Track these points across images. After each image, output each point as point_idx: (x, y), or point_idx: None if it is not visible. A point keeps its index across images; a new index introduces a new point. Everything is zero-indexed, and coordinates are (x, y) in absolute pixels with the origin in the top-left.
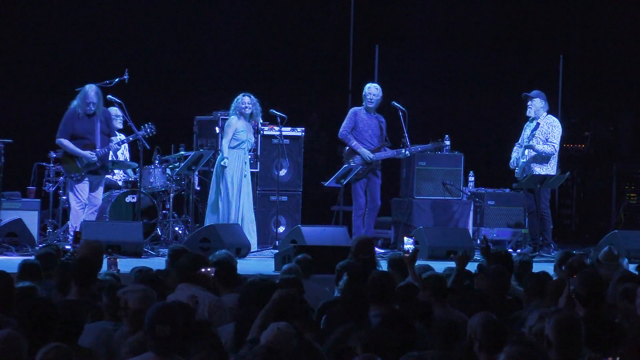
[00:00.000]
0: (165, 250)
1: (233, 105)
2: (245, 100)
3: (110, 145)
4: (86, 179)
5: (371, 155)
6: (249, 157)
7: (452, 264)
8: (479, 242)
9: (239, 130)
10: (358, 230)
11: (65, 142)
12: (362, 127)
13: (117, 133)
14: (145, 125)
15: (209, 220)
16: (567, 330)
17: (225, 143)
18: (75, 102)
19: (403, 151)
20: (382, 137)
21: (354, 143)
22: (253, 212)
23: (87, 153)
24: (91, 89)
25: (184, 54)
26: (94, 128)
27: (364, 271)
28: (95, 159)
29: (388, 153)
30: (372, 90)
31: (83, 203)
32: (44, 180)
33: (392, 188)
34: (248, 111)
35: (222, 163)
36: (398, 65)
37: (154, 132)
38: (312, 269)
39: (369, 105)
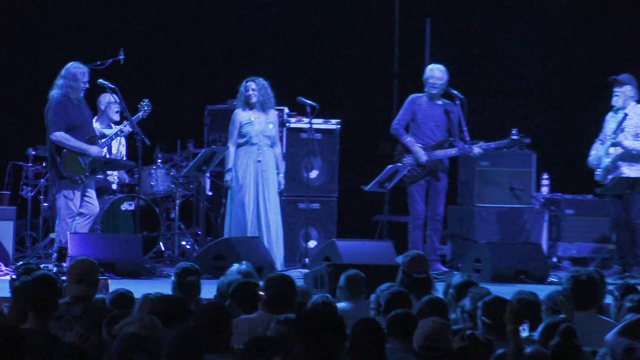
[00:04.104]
0: (171, 270)
1: (238, 94)
2: (250, 87)
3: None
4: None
5: (424, 158)
6: (267, 152)
7: (522, 287)
8: (554, 259)
9: (243, 124)
10: (415, 246)
11: (65, 136)
12: (421, 118)
13: (112, 125)
14: (140, 104)
15: (226, 234)
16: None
17: (231, 146)
18: (58, 90)
19: (471, 148)
20: (449, 131)
21: (408, 139)
22: (281, 221)
23: (92, 147)
24: (78, 68)
25: (194, 30)
26: (87, 116)
27: (419, 293)
28: (102, 153)
29: (452, 151)
30: (436, 73)
31: (75, 212)
32: (20, 184)
33: (449, 194)
34: (254, 99)
35: (226, 180)
36: (454, 43)
37: (150, 109)
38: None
39: (432, 92)
